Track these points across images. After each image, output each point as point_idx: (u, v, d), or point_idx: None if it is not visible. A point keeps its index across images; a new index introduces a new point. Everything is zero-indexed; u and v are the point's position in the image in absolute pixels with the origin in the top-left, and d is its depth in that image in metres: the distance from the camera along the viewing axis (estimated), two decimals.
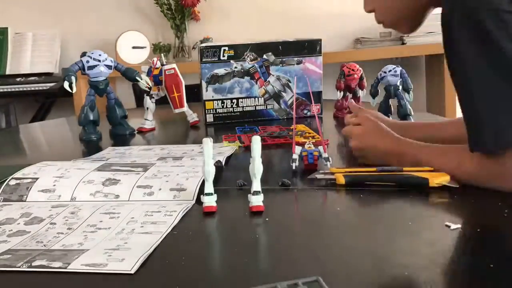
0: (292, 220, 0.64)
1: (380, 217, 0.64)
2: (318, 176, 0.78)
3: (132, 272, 0.49)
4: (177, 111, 1.38)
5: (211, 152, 0.67)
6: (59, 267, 0.51)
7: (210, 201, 0.67)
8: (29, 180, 0.78)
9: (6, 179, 0.90)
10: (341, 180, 0.73)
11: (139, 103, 2.35)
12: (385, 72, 1.23)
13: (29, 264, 0.52)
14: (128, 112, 1.34)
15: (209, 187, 0.68)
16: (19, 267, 0.52)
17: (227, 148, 1.03)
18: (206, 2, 2.79)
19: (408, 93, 1.22)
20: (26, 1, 2.91)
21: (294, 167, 0.83)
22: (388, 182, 0.73)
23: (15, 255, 0.55)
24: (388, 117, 1.25)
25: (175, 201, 0.71)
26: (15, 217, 0.67)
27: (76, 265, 0.51)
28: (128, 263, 0.51)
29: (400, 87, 1.23)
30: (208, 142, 0.66)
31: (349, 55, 2.54)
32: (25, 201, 0.74)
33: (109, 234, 0.60)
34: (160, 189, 0.73)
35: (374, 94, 1.27)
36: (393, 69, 1.22)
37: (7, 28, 2.83)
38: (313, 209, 0.68)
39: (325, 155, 0.83)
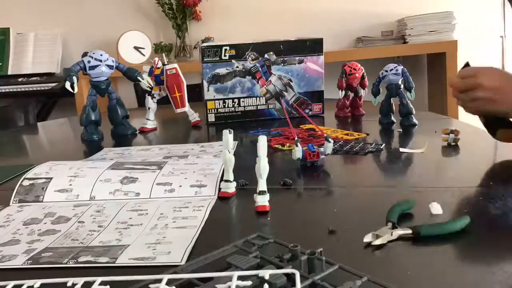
0: (294, 219, 0.64)
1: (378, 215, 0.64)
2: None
3: (183, 263, 0.50)
4: (178, 110, 1.38)
5: (231, 142, 0.72)
6: (107, 262, 0.52)
7: (229, 187, 0.72)
8: (43, 180, 0.78)
9: (9, 179, 0.90)
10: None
11: (141, 103, 2.35)
12: (386, 71, 1.22)
13: (75, 260, 0.53)
14: (130, 112, 1.35)
15: (228, 175, 0.73)
16: (65, 263, 0.52)
17: None
18: (207, 2, 2.79)
19: (410, 92, 1.21)
20: (27, 1, 2.91)
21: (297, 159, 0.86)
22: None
23: (56, 252, 0.55)
24: (390, 116, 1.25)
25: (197, 197, 0.73)
26: (39, 217, 0.68)
27: (124, 259, 0.52)
28: (176, 255, 0.52)
29: (402, 86, 1.22)
30: (227, 133, 0.71)
31: (350, 54, 2.54)
32: (41, 201, 0.74)
33: (143, 230, 0.61)
34: (180, 186, 0.75)
35: (375, 93, 1.27)
36: (394, 68, 1.22)
37: (9, 28, 2.83)
38: (314, 208, 0.68)
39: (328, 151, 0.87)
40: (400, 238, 0.54)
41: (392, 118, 1.25)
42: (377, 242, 0.53)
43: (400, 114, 1.23)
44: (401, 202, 0.62)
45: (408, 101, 1.22)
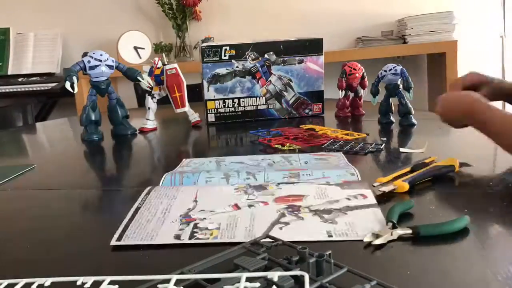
0: None
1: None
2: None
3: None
4: (178, 111, 1.38)
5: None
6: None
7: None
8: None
9: (9, 179, 0.90)
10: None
11: (141, 103, 2.35)
12: (385, 71, 1.22)
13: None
14: (130, 112, 1.35)
15: None
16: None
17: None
18: (207, 2, 2.79)
19: (409, 92, 1.21)
20: (27, 1, 2.91)
21: None
22: (427, 178, 0.74)
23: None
24: (389, 116, 1.25)
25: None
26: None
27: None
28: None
29: (401, 86, 1.23)
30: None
31: (350, 54, 2.54)
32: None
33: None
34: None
35: (375, 93, 1.27)
36: (393, 68, 1.22)
37: (9, 28, 2.84)
38: None
39: None
40: (400, 238, 0.54)
41: (391, 117, 1.25)
42: (377, 241, 0.53)
43: (399, 114, 1.23)
44: (401, 202, 0.62)
45: (407, 101, 1.22)
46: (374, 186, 0.72)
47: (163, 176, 0.81)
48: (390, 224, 0.56)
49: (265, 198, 0.68)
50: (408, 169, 0.78)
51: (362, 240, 0.54)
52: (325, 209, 0.63)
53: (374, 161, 0.91)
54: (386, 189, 0.70)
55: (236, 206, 0.65)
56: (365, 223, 0.58)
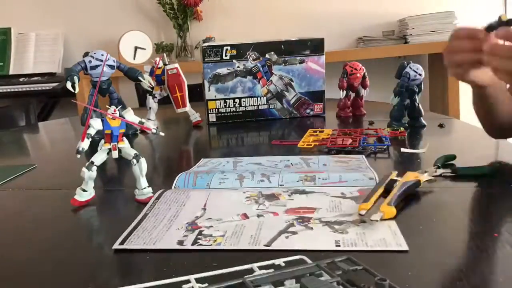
0: None
1: None
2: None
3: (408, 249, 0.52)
4: (179, 110, 1.38)
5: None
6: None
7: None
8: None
9: (9, 179, 0.90)
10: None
11: (142, 103, 2.35)
12: (415, 71, 1.21)
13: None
14: None
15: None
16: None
17: None
18: (208, 2, 2.79)
19: (418, 94, 1.22)
20: (29, 1, 2.92)
21: None
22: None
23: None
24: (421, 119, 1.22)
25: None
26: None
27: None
28: (401, 243, 0.53)
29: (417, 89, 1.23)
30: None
31: (352, 54, 2.54)
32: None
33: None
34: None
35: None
36: (418, 67, 1.22)
37: (10, 28, 2.84)
38: None
39: None
40: (443, 175, 0.74)
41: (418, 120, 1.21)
42: (424, 178, 0.69)
43: (408, 116, 1.22)
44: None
45: (419, 104, 1.22)
46: (361, 215, 0.62)
47: (178, 176, 0.81)
48: (436, 167, 0.75)
49: (275, 208, 0.66)
50: (382, 189, 0.68)
51: (375, 251, 0.52)
52: (337, 221, 0.61)
53: (374, 160, 0.91)
54: (377, 217, 0.60)
55: (245, 216, 0.64)
56: (377, 234, 0.56)
